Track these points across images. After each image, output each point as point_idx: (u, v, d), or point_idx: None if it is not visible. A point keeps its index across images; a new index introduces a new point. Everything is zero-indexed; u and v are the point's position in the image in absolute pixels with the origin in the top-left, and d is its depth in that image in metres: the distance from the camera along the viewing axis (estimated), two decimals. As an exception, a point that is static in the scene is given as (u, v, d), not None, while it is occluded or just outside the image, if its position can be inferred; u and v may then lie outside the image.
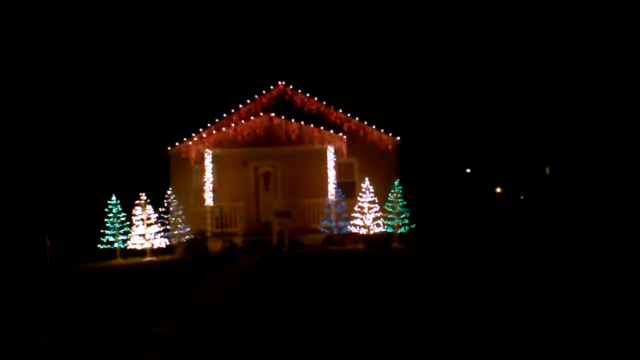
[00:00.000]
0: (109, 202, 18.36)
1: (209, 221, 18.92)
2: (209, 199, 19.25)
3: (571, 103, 40.21)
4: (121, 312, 10.55)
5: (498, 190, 49.48)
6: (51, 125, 31.59)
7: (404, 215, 18.38)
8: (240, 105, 21.36)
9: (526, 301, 9.70)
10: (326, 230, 18.34)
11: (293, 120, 19.16)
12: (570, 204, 32.33)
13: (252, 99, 21.46)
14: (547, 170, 44.49)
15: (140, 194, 18.45)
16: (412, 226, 18.46)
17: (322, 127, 19.28)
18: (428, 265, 13.79)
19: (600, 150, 37.39)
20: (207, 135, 19.73)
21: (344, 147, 19.65)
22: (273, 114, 19.33)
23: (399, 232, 18.30)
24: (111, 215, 18.25)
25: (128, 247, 18.25)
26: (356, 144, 20.24)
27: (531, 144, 44.18)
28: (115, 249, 18.20)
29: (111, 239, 18.11)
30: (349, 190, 19.71)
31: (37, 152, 30.28)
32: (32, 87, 32.98)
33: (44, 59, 35.14)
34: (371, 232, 18.00)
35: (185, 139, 20.32)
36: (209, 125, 20.91)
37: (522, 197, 45.03)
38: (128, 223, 18.36)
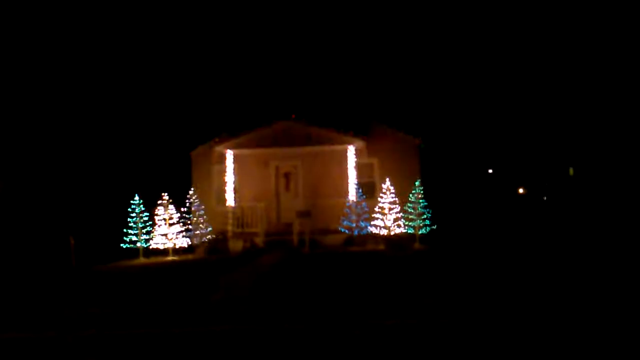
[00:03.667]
0: (132, 202, 18.60)
1: (230, 221, 19.04)
2: (230, 199, 19.38)
3: (595, 103, 39.59)
4: (142, 311, 10.67)
5: (521, 191, 48.97)
6: (75, 127, 32.15)
7: (425, 216, 18.29)
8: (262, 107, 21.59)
9: (549, 307, 9.57)
10: (347, 231, 18.32)
11: (314, 121, 19.23)
12: (594, 206, 31.82)
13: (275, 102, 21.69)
14: (571, 171, 43.87)
15: (163, 194, 18.68)
16: (434, 227, 18.35)
17: (342, 128, 19.29)
18: (449, 267, 13.69)
19: (626, 151, 36.73)
20: (229, 136, 19.87)
21: (364, 147, 19.60)
22: (294, 116, 19.41)
23: (420, 233, 18.21)
24: (134, 214, 18.47)
25: (150, 247, 18.48)
26: (377, 145, 20.21)
27: (555, 145, 43.63)
28: (138, 249, 18.41)
29: (134, 238, 18.34)
30: (369, 190, 19.67)
31: (61, 154, 30.83)
32: (56, 90, 33.59)
33: (69, 62, 35.79)
34: (392, 233, 17.94)
35: (207, 140, 20.48)
36: (230, 126, 21.08)
37: (545, 198, 44.49)
38: (150, 223, 18.58)
